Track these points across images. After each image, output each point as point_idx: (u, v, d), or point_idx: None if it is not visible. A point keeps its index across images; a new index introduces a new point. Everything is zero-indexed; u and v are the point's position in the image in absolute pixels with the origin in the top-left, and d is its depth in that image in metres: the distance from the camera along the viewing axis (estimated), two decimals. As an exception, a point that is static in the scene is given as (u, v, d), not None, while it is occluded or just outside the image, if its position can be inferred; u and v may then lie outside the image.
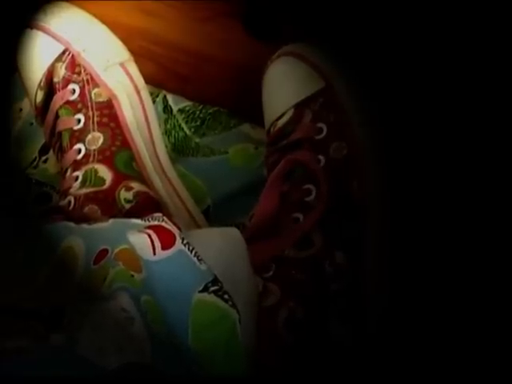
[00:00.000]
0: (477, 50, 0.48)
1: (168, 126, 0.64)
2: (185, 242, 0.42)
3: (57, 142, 0.57)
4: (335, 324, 0.45)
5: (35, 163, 0.63)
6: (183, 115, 0.65)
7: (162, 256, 0.42)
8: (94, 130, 0.55)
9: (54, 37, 0.57)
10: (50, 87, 0.57)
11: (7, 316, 0.36)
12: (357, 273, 0.47)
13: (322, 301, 0.46)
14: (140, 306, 0.38)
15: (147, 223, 0.44)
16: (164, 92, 0.66)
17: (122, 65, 0.58)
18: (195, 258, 0.42)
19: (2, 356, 0.32)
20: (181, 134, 0.64)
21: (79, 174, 0.53)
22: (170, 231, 0.43)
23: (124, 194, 0.52)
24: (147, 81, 0.60)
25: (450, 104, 0.49)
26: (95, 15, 0.59)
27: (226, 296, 0.41)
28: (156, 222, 0.44)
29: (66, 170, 0.55)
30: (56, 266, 0.40)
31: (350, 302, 0.46)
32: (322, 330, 0.45)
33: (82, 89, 0.56)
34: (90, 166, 0.54)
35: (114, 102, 0.57)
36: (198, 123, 0.64)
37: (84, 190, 0.52)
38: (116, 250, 0.41)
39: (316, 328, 0.45)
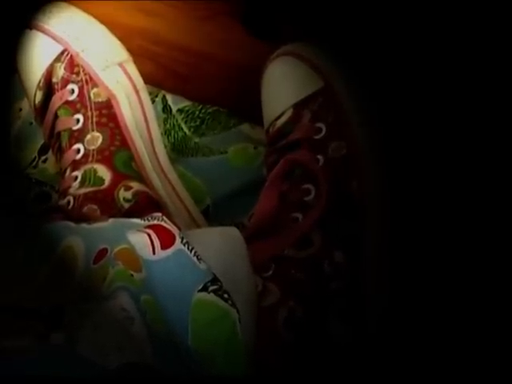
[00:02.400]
0: (476, 50, 0.48)
1: (167, 126, 0.64)
2: (184, 241, 0.42)
3: (56, 142, 0.57)
4: (335, 323, 0.45)
5: (35, 163, 0.63)
6: (182, 115, 0.64)
7: (162, 255, 0.42)
8: (92, 130, 0.55)
9: (53, 37, 0.57)
10: (48, 87, 0.57)
11: (7, 315, 0.36)
12: (356, 272, 0.47)
13: (322, 300, 0.46)
14: (140, 305, 0.38)
15: (147, 223, 0.44)
16: (163, 92, 0.65)
17: (120, 65, 0.58)
18: (195, 258, 0.42)
19: (2, 355, 0.32)
20: (180, 133, 0.64)
21: (78, 173, 0.53)
22: (169, 231, 0.43)
23: (123, 194, 0.52)
24: (146, 80, 0.60)
25: (450, 103, 0.49)
26: (94, 15, 0.59)
27: (225, 295, 0.41)
28: (155, 222, 0.44)
29: (66, 169, 0.55)
30: (56, 266, 0.40)
31: (349, 301, 0.46)
32: (321, 329, 0.45)
33: (80, 89, 0.56)
34: (89, 165, 0.53)
35: (112, 101, 0.56)
36: (198, 123, 0.64)
37: (83, 190, 0.52)
38: (116, 250, 0.41)
39: (315, 327, 0.45)
